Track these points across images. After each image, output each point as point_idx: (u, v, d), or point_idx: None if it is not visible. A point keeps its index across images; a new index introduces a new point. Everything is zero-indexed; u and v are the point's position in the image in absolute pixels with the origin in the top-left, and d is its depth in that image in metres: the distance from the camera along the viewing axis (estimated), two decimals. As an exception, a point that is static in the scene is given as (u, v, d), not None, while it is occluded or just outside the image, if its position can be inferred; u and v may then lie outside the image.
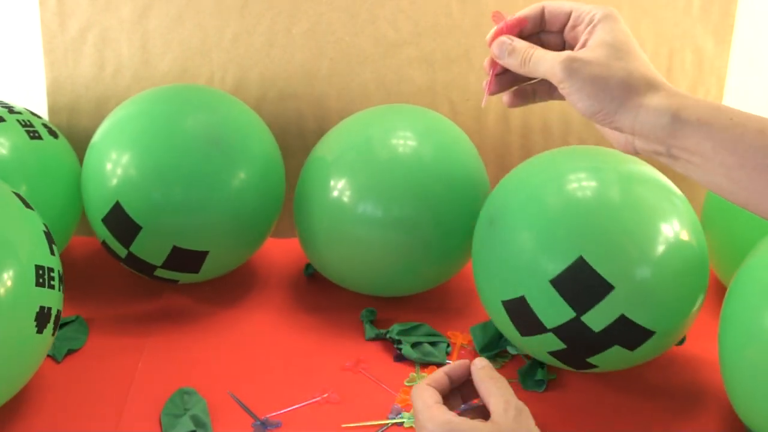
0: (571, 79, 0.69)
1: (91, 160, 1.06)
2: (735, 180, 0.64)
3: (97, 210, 1.04)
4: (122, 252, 1.04)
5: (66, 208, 1.10)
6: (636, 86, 0.68)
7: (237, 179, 1.03)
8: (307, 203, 1.05)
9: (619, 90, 0.68)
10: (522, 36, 0.76)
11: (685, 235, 0.88)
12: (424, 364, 0.98)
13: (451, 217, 1.02)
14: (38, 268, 0.82)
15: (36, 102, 1.26)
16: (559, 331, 0.86)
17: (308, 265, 1.16)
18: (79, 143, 1.24)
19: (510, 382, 0.94)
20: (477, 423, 0.67)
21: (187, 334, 1.04)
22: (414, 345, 1.00)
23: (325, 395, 0.92)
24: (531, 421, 0.68)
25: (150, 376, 0.95)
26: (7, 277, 0.79)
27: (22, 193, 0.90)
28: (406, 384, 0.95)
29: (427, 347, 1.00)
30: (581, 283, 0.83)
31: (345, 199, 1.00)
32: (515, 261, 0.88)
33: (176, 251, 1.02)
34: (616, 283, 0.83)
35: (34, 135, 1.06)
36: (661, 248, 0.85)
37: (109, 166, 1.02)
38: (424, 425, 0.67)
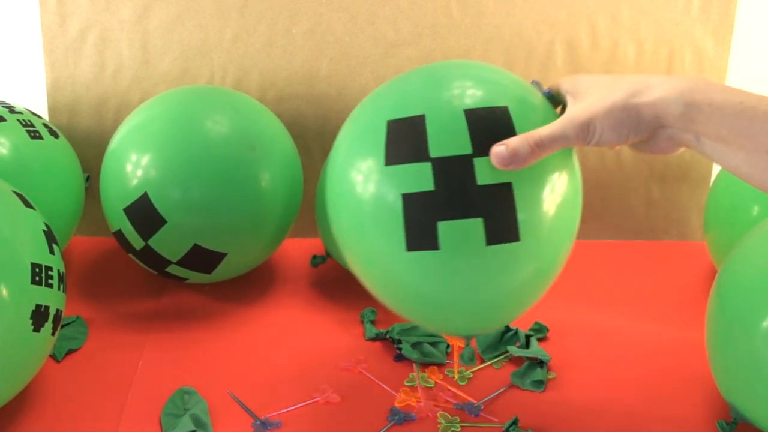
0: (590, 131, 0.69)
1: (120, 146, 1.05)
2: (753, 165, 0.64)
3: (120, 198, 1.03)
4: (138, 244, 1.04)
5: (66, 208, 1.10)
6: (639, 89, 0.68)
7: (266, 182, 1.04)
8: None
9: (627, 107, 0.68)
10: None
11: None
12: (424, 364, 0.98)
13: None
14: (35, 266, 0.82)
15: (36, 102, 1.26)
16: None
17: (315, 257, 1.16)
18: (80, 143, 1.24)
19: (510, 385, 0.95)
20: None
21: (187, 334, 1.04)
22: (414, 345, 1.00)
23: (325, 395, 0.92)
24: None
25: (150, 375, 0.95)
26: (2, 274, 0.79)
27: (22, 193, 0.90)
28: (406, 384, 0.95)
29: (427, 347, 1.00)
30: None
31: None
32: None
33: (196, 249, 1.02)
34: None
35: (35, 135, 1.07)
36: None
37: (140, 157, 1.01)
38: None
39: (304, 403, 0.91)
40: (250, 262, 1.11)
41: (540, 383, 0.95)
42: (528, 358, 0.98)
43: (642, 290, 1.16)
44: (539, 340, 1.03)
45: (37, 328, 0.82)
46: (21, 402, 0.89)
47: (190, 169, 1.00)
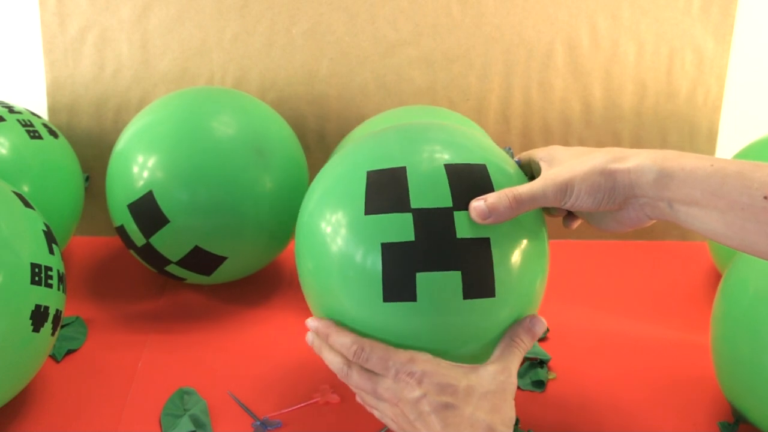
0: (568, 192, 0.71)
1: (129, 142, 1.05)
2: (729, 224, 0.65)
3: (124, 194, 1.03)
4: (140, 241, 1.04)
5: (66, 208, 1.10)
6: (616, 157, 0.70)
7: (272, 185, 1.04)
8: None
9: (604, 172, 0.70)
10: None
11: None
12: (424, 364, 0.98)
13: None
14: (34, 266, 0.82)
15: (36, 102, 1.26)
16: None
17: None
18: (79, 143, 1.24)
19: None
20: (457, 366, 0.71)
21: (187, 334, 1.04)
22: (414, 345, 1.00)
23: (325, 395, 0.92)
24: (511, 400, 0.71)
25: (150, 376, 0.95)
26: (1, 274, 0.79)
27: (22, 193, 0.90)
28: (406, 384, 0.95)
29: (427, 347, 1.00)
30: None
31: None
32: None
33: (197, 251, 1.02)
34: None
35: (35, 135, 1.07)
36: None
37: (147, 157, 1.01)
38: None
39: (304, 403, 0.91)
40: (249, 267, 1.11)
41: (540, 383, 0.95)
42: (528, 358, 0.98)
43: (642, 290, 1.16)
44: (539, 340, 1.03)
45: (36, 329, 0.82)
46: (21, 402, 0.89)
47: (196, 172, 1.00)
